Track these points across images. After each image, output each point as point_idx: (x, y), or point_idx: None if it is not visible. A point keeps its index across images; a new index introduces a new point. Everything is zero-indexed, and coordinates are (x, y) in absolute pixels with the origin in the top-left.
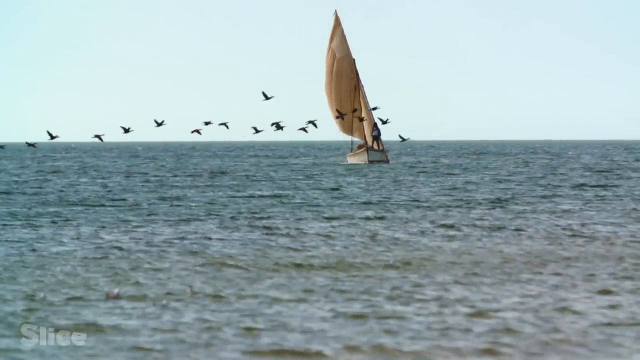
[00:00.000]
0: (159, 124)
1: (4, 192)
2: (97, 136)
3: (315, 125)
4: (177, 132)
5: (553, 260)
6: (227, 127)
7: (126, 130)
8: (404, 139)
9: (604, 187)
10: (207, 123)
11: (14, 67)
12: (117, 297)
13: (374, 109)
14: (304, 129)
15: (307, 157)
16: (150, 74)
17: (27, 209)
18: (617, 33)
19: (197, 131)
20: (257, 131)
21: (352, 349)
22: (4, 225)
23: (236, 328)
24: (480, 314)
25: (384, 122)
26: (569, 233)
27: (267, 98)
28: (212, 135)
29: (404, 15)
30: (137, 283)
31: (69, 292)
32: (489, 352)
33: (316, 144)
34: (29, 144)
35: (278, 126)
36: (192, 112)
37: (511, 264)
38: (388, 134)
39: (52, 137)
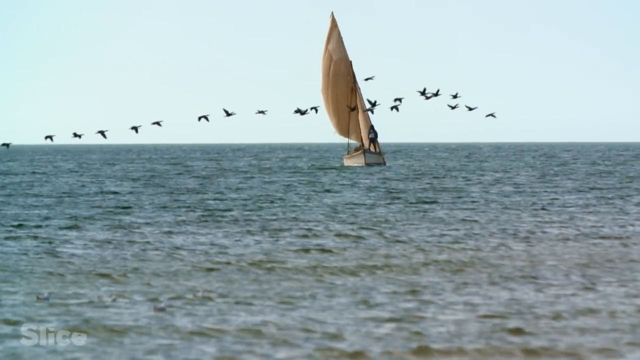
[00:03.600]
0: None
1: (7, 195)
2: (48, 137)
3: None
4: (172, 134)
5: (576, 262)
6: (207, 119)
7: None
8: (471, 109)
9: (609, 189)
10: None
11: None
12: (114, 301)
13: (437, 93)
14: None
15: (302, 159)
16: (147, 75)
17: (30, 210)
18: (608, 34)
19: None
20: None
21: (368, 351)
22: (6, 226)
23: (241, 330)
24: (503, 316)
25: (471, 109)
26: (583, 234)
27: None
28: (208, 136)
29: (401, 17)
30: (138, 284)
31: (70, 292)
32: (514, 354)
33: (313, 146)
34: (3, 144)
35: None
36: (189, 113)
37: (533, 266)
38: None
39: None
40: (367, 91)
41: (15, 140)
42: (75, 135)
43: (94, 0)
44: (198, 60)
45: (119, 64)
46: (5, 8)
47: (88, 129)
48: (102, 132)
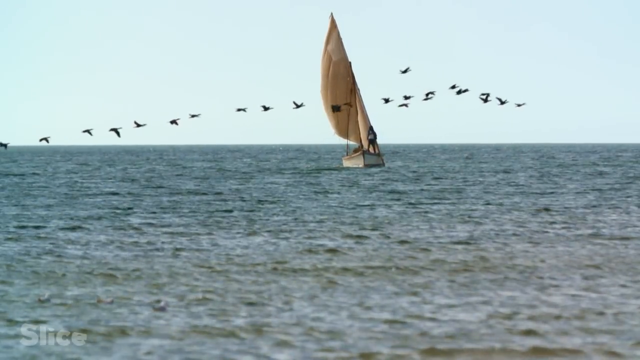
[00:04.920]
0: (139, 125)
1: (7, 195)
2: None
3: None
4: (169, 135)
5: (578, 263)
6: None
7: (116, 131)
8: (520, 105)
9: (609, 190)
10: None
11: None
12: (111, 303)
13: (455, 88)
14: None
15: (301, 160)
16: (144, 76)
17: (31, 211)
18: (600, 34)
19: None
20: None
21: (379, 354)
22: (7, 227)
23: (242, 330)
24: (506, 316)
25: (502, 102)
26: (585, 235)
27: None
28: (204, 137)
29: (400, 18)
30: (139, 284)
31: (70, 293)
32: (517, 354)
33: (312, 147)
34: (1, 144)
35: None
36: (187, 114)
37: (535, 267)
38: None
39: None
40: (369, 88)
41: (13, 141)
42: (114, 130)
43: (92, 0)
44: (198, 61)
45: (119, 64)
46: (5, 7)
47: (80, 129)
48: (137, 124)
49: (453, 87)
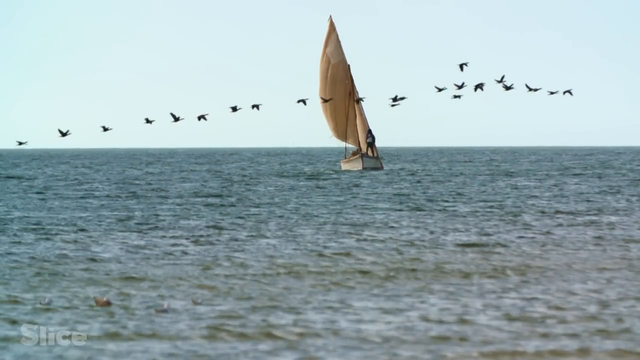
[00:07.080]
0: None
1: (9, 198)
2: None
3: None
4: (166, 136)
5: (585, 266)
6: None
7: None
8: (566, 91)
9: (612, 192)
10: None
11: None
12: (108, 303)
13: (502, 81)
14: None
15: (299, 163)
16: (143, 76)
17: (33, 213)
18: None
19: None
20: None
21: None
22: (9, 229)
23: (244, 332)
24: (511, 318)
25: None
26: (590, 237)
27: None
28: (199, 139)
29: (399, 20)
30: (140, 286)
31: (71, 294)
32: (525, 356)
33: (311, 150)
34: (19, 143)
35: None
36: (185, 116)
37: (543, 270)
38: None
39: (20, 144)
40: (364, 88)
41: (11, 144)
42: (148, 121)
43: (88, 3)
44: (197, 63)
45: (119, 65)
46: (4, 8)
47: (78, 131)
48: (173, 115)
49: (501, 79)
